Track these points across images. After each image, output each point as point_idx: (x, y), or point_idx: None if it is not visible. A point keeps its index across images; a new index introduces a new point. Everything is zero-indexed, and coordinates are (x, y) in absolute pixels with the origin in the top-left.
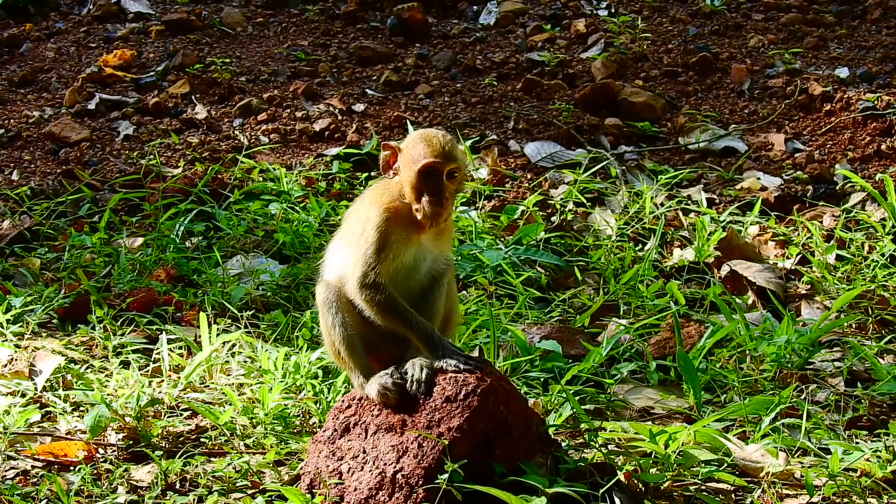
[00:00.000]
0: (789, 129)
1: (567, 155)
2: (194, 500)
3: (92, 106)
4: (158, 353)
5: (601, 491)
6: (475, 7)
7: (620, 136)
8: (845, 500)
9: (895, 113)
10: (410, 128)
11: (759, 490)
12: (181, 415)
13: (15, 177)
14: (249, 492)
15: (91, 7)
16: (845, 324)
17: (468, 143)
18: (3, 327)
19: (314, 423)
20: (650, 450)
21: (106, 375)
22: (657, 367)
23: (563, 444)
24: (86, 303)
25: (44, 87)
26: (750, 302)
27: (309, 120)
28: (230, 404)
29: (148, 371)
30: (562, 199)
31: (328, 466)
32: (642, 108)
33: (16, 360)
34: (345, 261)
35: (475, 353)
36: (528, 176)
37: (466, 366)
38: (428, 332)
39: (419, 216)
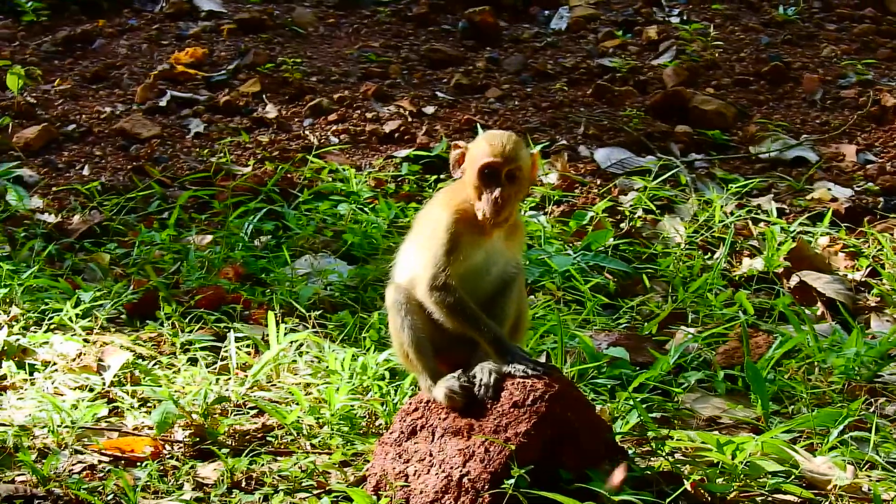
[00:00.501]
0: (861, 140)
1: (637, 161)
2: (260, 498)
3: (163, 103)
4: (226, 351)
5: (667, 500)
6: (546, 12)
7: (691, 144)
8: None
9: None
10: (480, 131)
11: (827, 503)
12: (248, 413)
13: (86, 172)
14: (315, 492)
15: (164, 4)
16: None
17: (538, 147)
18: (72, 322)
19: (380, 424)
20: (717, 459)
21: (173, 372)
22: (725, 376)
23: (630, 451)
24: (154, 299)
25: (116, 84)
26: (819, 313)
27: (379, 121)
28: (297, 404)
29: (215, 368)
30: (631, 205)
31: (394, 468)
32: (713, 116)
33: (84, 354)
34: (415, 263)
35: (542, 359)
36: (598, 182)
37: (534, 371)
38: (497, 336)
39: (479, 215)
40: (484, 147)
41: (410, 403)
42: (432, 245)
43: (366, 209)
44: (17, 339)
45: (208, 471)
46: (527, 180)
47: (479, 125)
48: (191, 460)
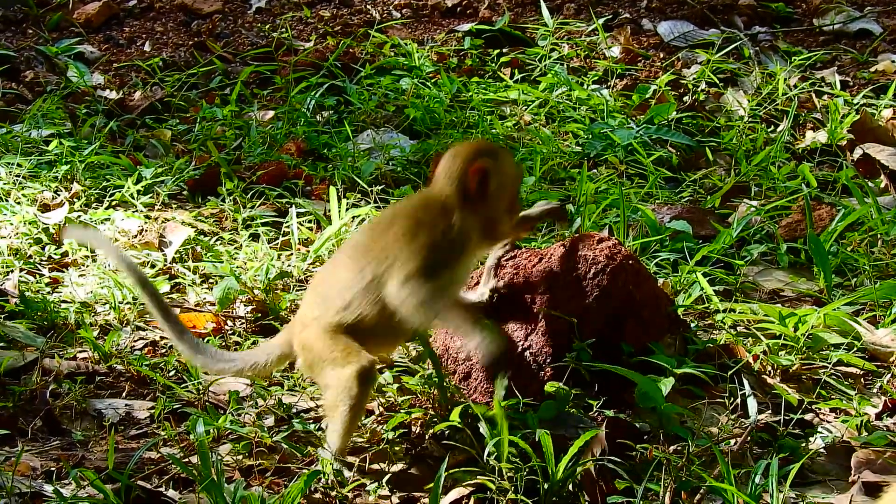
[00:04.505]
0: None
1: (700, 35)
2: None
3: None
4: (287, 227)
5: (730, 373)
6: None
7: (754, 17)
8: None
9: None
10: (543, 5)
11: (889, 375)
12: None
13: (147, 48)
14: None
15: None
16: None
17: (601, 21)
18: (133, 198)
19: None
20: (779, 332)
21: (235, 248)
22: (787, 249)
23: (692, 324)
24: (216, 175)
25: None
26: (882, 185)
27: None
28: None
29: (277, 244)
30: (694, 78)
31: (456, 343)
32: None
33: (146, 231)
34: None
35: (605, 232)
36: (661, 55)
37: None
38: None
39: (502, 234)
40: (517, 168)
41: (472, 277)
42: None
43: (428, 84)
44: (79, 216)
45: None
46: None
47: (542, 0)
48: (252, 336)
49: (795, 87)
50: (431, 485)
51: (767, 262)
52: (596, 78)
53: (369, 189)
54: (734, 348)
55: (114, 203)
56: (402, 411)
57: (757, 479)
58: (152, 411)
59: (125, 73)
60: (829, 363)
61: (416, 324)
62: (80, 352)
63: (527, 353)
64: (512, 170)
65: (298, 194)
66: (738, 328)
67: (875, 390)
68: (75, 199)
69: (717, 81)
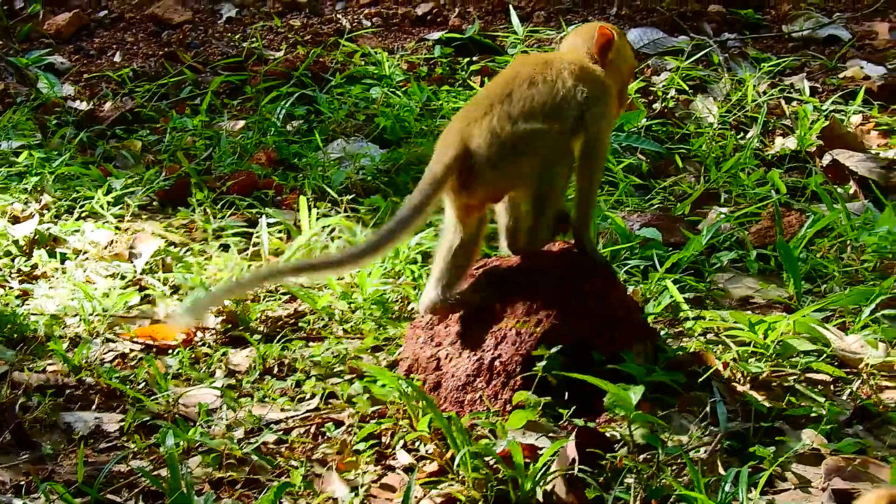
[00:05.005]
0: (893, 18)
1: (670, 41)
2: (292, 384)
3: None
4: (258, 237)
5: (699, 381)
6: None
7: (723, 24)
8: None
9: None
10: (513, 13)
11: (859, 381)
12: (279, 299)
13: (117, 58)
14: (347, 377)
15: None
16: None
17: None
18: (103, 209)
19: (412, 308)
20: (749, 339)
21: (205, 258)
22: (757, 256)
23: (662, 332)
24: (186, 185)
25: None
26: (851, 191)
27: (411, 3)
28: (329, 289)
29: (247, 254)
30: (664, 85)
31: (426, 353)
32: None
33: (116, 242)
34: None
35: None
36: None
37: None
38: None
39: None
40: (631, 51)
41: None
42: None
43: (398, 92)
44: (49, 228)
45: (240, 357)
46: None
47: (511, 7)
48: (222, 347)
49: (765, 93)
50: (401, 495)
51: (737, 269)
52: None
53: (339, 198)
54: (704, 356)
55: (84, 214)
56: (371, 421)
57: (727, 488)
58: (122, 424)
59: (95, 84)
60: (799, 370)
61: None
62: (50, 364)
63: (496, 363)
64: (629, 53)
65: (269, 204)
66: (708, 336)
67: (845, 397)
68: (45, 211)
69: (687, 88)
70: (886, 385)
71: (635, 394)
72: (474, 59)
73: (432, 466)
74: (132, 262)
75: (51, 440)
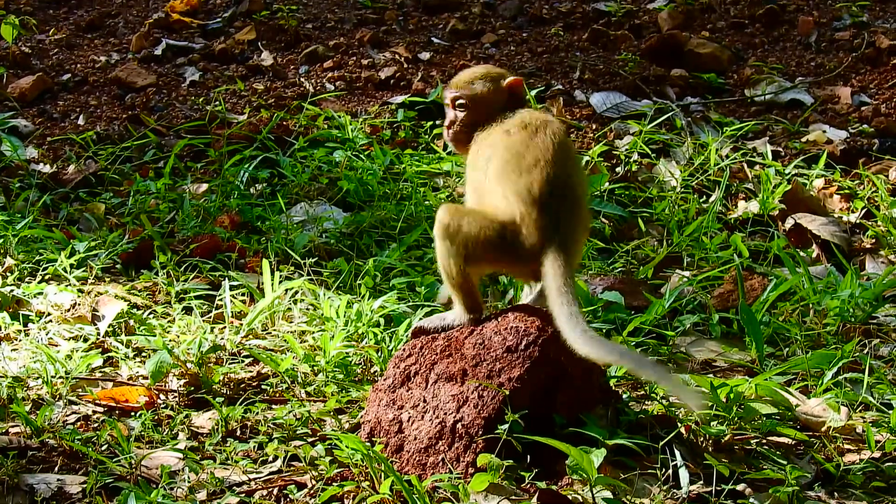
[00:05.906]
0: (856, 83)
1: (633, 105)
2: (254, 446)
3: (158, 52)
4: (221, 300)
5: (661, 443)
6: None
7: (686, 88)
8: None
9: None
10: None
11: (821, 444)
12: (242, 362)
13: (81, 121)
14: (310, 439)
15: None
16: None
17: (534, 92)
18: (66, 272)
19: (375, 371)
20: (711, 402)
21: (168, 321)
22: (720, 319)
23: (624, 395)
24: (149, 248)
25: (111, 33)
26: (814, 255)
27: (375, 68)
28: (292, 352)
29: (210, 317)
30: (627, 149)
31: (388, 415)
32: (708, 60)
33: (79, 304)
34: None
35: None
36: (594, 126)
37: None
38: None
39: None
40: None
41: (405, 350)
42: None
43: (361, 156)
44: (12, 290)
45: (203, 420)
46: (481, 105)
47: None
48: (185, 409)
49: (727, 157)
50: None
51: (700, 333)
52: None
53: (303, 262)
54: (666, 419)
55: (47, 277)
56: (334, 484)
57: None
58: (84, 486)
59: (59, 147)
60: (762, 433)
61: None
62: (13, 426)
63: (458, 425)
64: None
65: (232, 267)
66: (671, 398)
67: (807, 460)
68: (8, 273)
69: (650, 152)
70: (848, 448)
71: (597, 457)
72: (437, 122)
73: None
74: (95, 325)
75: (13, 502)
